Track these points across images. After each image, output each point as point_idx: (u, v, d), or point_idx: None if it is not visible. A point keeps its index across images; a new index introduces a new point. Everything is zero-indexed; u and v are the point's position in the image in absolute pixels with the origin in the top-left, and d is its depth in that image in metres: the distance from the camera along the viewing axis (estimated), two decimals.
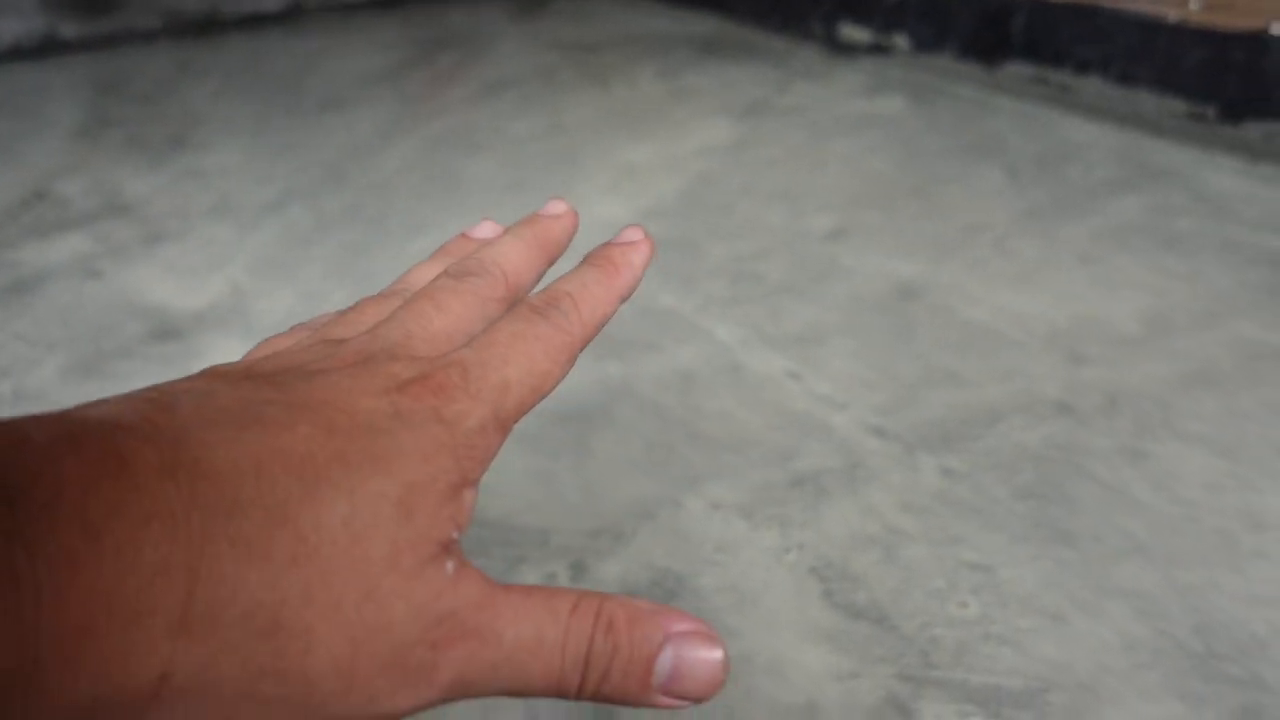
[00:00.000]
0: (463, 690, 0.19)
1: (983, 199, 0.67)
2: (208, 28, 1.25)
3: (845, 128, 0.82)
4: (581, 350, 0.24)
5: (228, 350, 0.53)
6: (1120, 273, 0.57)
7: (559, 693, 0.19)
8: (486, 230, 0.29)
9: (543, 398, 0.22)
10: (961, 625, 0.34)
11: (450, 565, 0.19)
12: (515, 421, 0.22)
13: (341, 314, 0.25)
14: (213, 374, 0.20)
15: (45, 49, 1.17)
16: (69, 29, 1.19)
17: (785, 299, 0.56)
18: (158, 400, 0.18)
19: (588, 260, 0.26)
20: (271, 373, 0.20)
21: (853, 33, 1.01)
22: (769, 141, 0.80)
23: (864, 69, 0.97)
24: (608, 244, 0.27)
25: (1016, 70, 0.87)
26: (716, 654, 0.20)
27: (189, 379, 0.20)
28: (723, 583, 0.36)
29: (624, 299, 0.26)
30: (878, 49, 0.99)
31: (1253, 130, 0.71)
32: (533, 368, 0.22)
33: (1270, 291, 0.54)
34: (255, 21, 1.28)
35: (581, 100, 0.93)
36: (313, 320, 0.26)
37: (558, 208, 0.29)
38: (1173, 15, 0.74)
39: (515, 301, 0.25)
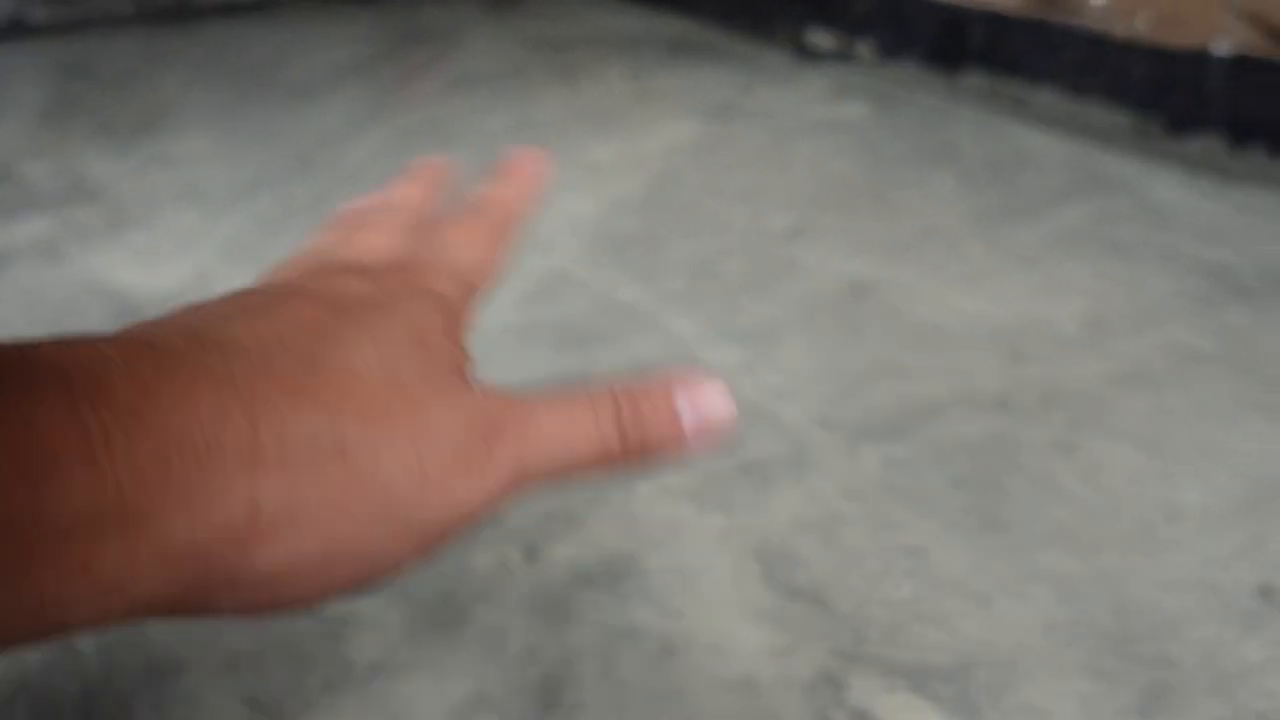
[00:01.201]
0: (522, 474, 0.21)
1: (937, 203, 0.70)
2: (180, 14, 1.25)
3: (809, 131, 0.84)
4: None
5: None
6: (1063, 276, 0.59)
7: (607, 457, 0.21)
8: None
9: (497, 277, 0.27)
10: (894, 606, 0.36)
11: (474, 384, 0.21)
12: (479, 294, 0.26)
13: (341, 236, 0.28)
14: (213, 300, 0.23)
15: (13, 32, 1.16)
16: (38, 12, 1.18)
17: (743, 295, 0.58)
18: (172, 313, 0.20)
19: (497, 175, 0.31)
20: (268, 285, 0.23)
21: (819, 39, 1.04)
22: (734, 142, 0.82)
23: (829, 75, 0.99)
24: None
25: (974, 80, 0.89)
26: (716, 383, 0.23)
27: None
28: (669, 564, 0.38)
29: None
30: (843, 55, 1.01)
31: (1194, 144, 0.74)
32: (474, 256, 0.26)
33: (1203, 299, 0.56)
34: (229, 9, 1.28)
35: (551, 97, 0.94)
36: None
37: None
38: (1120, 31, 0.76)
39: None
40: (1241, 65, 0.70)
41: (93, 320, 0.55)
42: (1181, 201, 0.69)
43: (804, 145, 0.81)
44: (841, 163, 0.77)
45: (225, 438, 0.16)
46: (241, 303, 0.21)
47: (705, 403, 0.22)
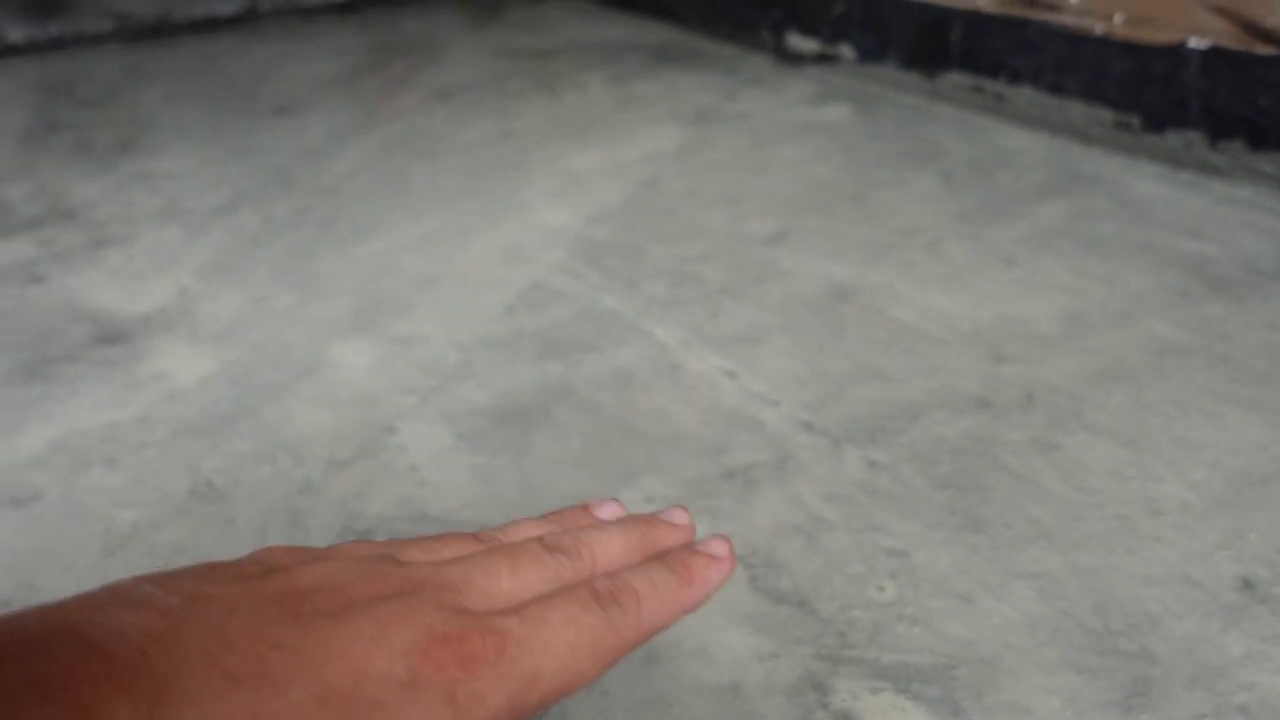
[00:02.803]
0: None
1: (917, 203, 0.70)
2: (159, 31, 1.24)
3: (790, 134, 0.84)
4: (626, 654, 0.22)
5: (174, 354, 0.54)
6: (1043, 274, 0.59)
7: None
8: (609, 511, 0.28)
9: (568, 695, 0.21)
10: (877, 607, 0.36)
11: None
12: (534, 715, 0.20)
13: (425, 538, 0.24)
14: (254, 571, 0.20)
15: None
16: (16, 32, 1.17)
17: (724, 301, 0.58)
18: (172, 612, 0.17)
19: (667, 560, 0.25)
20: (310, 590, 0.19)
21: (800, 42, 1.04)
22: (715, 148, 0.82)
23: (811, 78, 1.00)
24: (692, 549, 0.26)
25: (955, 79, 0.89)
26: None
27: (233, 571, 0.19)
28: None
29: (689, 613, 0.25)
30: (825, 58, 1.02)
31: (1174, 139, 0.74)
32: (572, 663, 0.20)
33: (1182, 292, 0.56)
34: (208, 25, 1.28)
35: (532, 107, 0.94)
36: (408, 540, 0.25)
37: (680, 518, 0.28)
38: (1099, 28, 0.77)
39: None
40: (1218, 59, 0.70)
41: (73, 341, 0.55)
42: (1161, 196, 0.69)
43: (785, 149, 0.81)
44: (823, 165, 0.78)
45: None
46: (258, 631, 0.18)
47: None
